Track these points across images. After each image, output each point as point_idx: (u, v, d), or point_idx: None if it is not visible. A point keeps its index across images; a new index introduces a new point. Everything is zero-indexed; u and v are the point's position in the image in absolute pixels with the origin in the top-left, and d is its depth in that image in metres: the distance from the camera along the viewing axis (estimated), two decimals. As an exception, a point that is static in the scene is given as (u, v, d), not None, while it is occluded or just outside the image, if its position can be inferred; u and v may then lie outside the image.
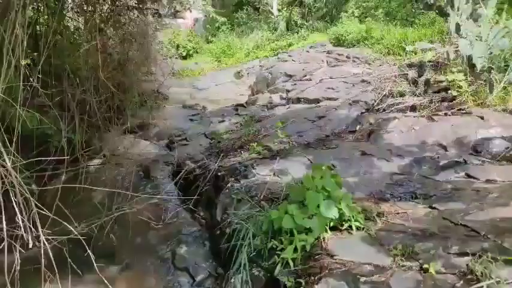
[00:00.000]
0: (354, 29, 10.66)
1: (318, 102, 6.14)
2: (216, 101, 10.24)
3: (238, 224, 2.98)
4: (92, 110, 5.79)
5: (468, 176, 3.20)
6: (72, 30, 7.80)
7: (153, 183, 5.03)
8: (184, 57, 18.50)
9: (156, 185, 4.97)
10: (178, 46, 18.55)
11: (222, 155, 4.77)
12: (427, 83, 5.01)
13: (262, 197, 3.49)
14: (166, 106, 10.03)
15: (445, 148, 3.73)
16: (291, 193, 2.66)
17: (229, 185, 4.03)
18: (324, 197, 2.52)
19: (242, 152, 4.88)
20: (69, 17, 7.71)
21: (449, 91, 4.70)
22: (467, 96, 4.41)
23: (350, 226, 2.68)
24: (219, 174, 4.38)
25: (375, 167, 3.66)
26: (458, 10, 5.41)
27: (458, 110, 4.24)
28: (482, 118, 3.90)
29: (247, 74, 13.14)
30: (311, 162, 3.90)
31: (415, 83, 5.15)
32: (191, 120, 8.40)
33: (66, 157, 3.96)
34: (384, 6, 11.80)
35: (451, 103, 4.49)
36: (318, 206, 2.49)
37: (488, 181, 3.06)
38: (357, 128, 4.85)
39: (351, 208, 2.66)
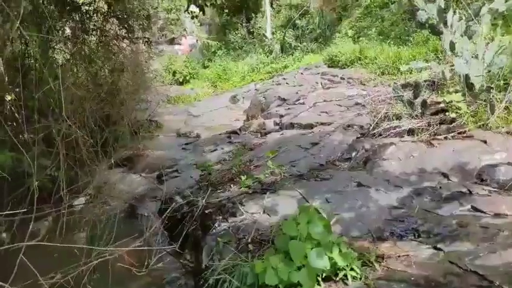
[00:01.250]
0: (347, 49, 10.54)
1: (312, 128, 5.90)
2: (211, 128, 10.04)
3: (221, 274, 2.67)
4: (78, 145, 5.57)
5: (474, 209, 2.90)
6: (60, 62, 7.67)
7: (139, 223, 4.74)
8: (181, 83, 18.51)
9: (142, 224, 4.67)
10: (174, 72, 18.61)
11: (210, 189, 4.48)
12: (423, 104, 4.76)
13: (250, 239, 3.19)
14: (160, 135, 9.82)
15: (447, 177, 3.44)
16: (277, 241, 2.36)
17: (216, 224, 3.74)
18: (312, 245, 2.22)
19: (232, 185, 4.60)
20: (58, 49, 7.60)
21: (447, 113, 4.44)
22: (467, 118, 4.15)
23: (346, 275, 2.37)
24: (207, 212, 4.08)
25: (371, 200, 3.36)
26: (451, 27, 5.23)
27: (458, 133, 3.97)
28: (485, 142, 3.62)
29: (243, 98, 13.00)
30: (303, 196, 3.60)
31: (411, 104, 4.89)
32: (184, 149, 8.17)
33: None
34: (377, 26, 11.74)
35: (450, 126, 4.22)
36: (306, 256, 2.19)
37: (497, 215, 2.75)
38: (352, 155, 4.58)
39: (345, 255, 2.35)
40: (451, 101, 4.36)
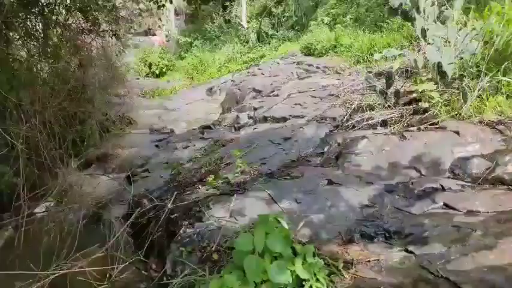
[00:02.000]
0: (323, 37, 10.35)
1: (285, 121, 5.70)
2: (186, 122, 9.74)
3: (180, 290, 2.47)
4: (40, 148, 5.24)
5: (447, 206, 2.76)
6: (22, 59, 7.22)
7: (104, 229, 4.48)
8: (158, 76, 18.04)
9: (107, 231, 4.42)
10: (151, 64, 18.11)
11: (176, 192, 4.25)
12: (396, 94, 4.62)
13: (214, 247, 2.99)
14: (132, 132, 9.47)
15: (419, 171, 3.30)
16: (234, 256, 2.16)
17: (181, 231, 3.52)
18: (271, 259, 2.03)
19: (200, 186, 4.37)
20: (19, 45, 7.15)
21: (420, 103, 4.30)
22: (440, 108, 4.02)
23: (311, 287, 2.21)
24: (173, 216, 3.86)
25: (342, 199, 3.20)
26: (424, 13, 5.07)
27: (431, 124, 3.83)
28: (457, 133, 3.49)
29: (219, 90, 12.70)
30: (272, 198, 3.42)
31: (384, 94, 4.75)
32: (156, 146, 7.85)
33: None
34: (352, 12, 11.56)
35: (423, 116, 4.09)
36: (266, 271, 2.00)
37: (470, 213, 2.63)
38: (325, 149, 4.41)
39: (310, 266, 2.17)
40: (424, 90, 4.22)
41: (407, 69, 5.38)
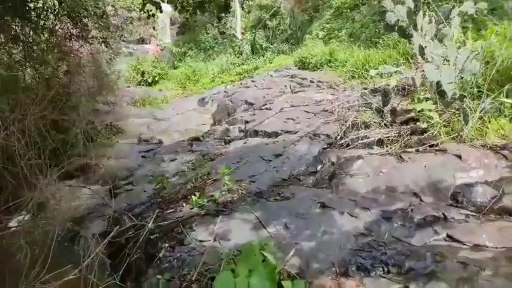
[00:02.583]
0: (318, 51, 10.23)
1: (277, 136, 5.48)
2: (175, 133, 9.47)
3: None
4: (17, 157, 4.92)
5: (451, 238, 2.54)
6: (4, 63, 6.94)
7: (79, 248, 4.17)
8: (150, 84, 17.77)
9: (82, 250, 4.11)
10: (143, 73, 17.84)
11: (158, 210, 3.98)
12: (393, 112, 4.43)
13: (194, 276, 2.71)
14: (119, 141, 9.15)
15: (419, 197, 3.08)
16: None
17: (161, 254, 3.24)
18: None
19: (185, 204, 4.11)
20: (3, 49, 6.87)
21: (418, 122, 4.11)
22: (440, 128, 3.83)
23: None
24: (153, 237, 3.58)
25: (336, 225, 2.96)
26: (421, 30, 4.93)
27: (430, 146, 3.63)
28: (459, 157, 3.29)
29: (212, 100, 12.47)
30: (260, 221, 3.16)
31: (380, 112, 4.56)
32: (143, 157, 7.57)
33: None
34: (347, 27, 11.50)
35: (421, 137, 3.90)
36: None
37: (476, 247, 2.40)
38: (318, 168, 4.18)
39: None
40: (422, 110, 4.03)
41: (404, 87, 5.21)
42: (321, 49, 10.35)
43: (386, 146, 4.05)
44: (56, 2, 7.34)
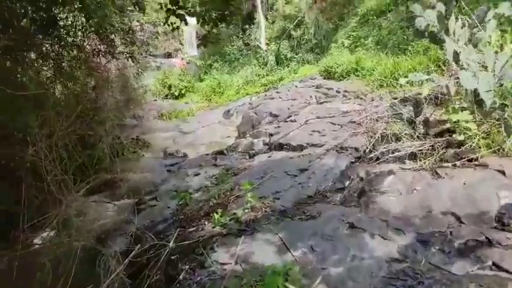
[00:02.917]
0: (343, 60, 9.98)
1: (302, 149, 5.29)
2: (200, 146, 9.44)
3: None
4: (44, 173, 4.98)
5: (497, 267, 2.26)
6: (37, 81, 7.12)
7: (100, 266, 4.11)
8: (177, 97, 18.01)
9: (103, 269, 4.05)
10: (170, 86, 18.12)
11: (179, 229, 3.87)
12: (426, 123, 4.16)
13: (215, 303, 2.56)
14: (145, 155, 9.22)
15: (458, 219, 2.81)
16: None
17: (181, 277, 3.12)
18: None
19: (206, 222, 3.98)
20: (35, 66, 7.07)
21: (454, 134, 3.82)
22: (478, 141, 3.53)
23: None
24: (173, 257, 3.46)
25: (366, 248, 2.73)
26: (454, 35, 4.64)
27: (469, 160, 3.35)
28: (503, 173, 3.00)
29: (236, 113, 12.41)
30: (283, 242, 2.98)
31: (411, 123, 4.29)
32: (168, 171, 7.57)
33: None
34: (374, 35, 11.18)
35: (458, 150, 3.61)
36: None
37: (528, 278, 2.12)
38: (345, 184, 3.95)
39: None
40: (458, 121, 3.74)
41: (437, 96, 4.91)
42: (346, 58, 10.09)
43: (420, 160, 3.79)
44: (83, 19, 7.51)
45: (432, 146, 3.85)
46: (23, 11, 5.96)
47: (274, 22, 16.90)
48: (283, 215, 3.53)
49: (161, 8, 5.06)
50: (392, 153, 4.13)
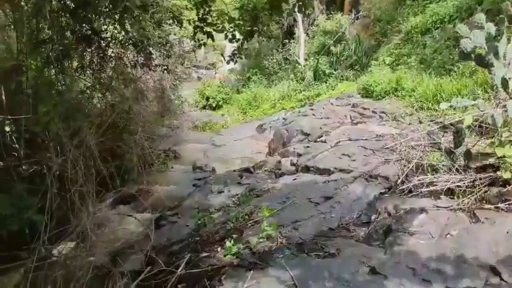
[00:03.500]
0: (383, 78, 9.54)
1: (329, 174, 4.98)
2: (229, 161, 9.32)
3: None
4: (67, 183, 5.03)
5: None
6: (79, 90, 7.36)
7: (109, 286, 4.02)
8: (214, 108, 18.24)
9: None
10: (208, 97, 18.38)
11: (190, 255, 3.69)
12: (467, 156, 3.72)
13: None
14: (175, 167, 9.23)
15: (499, 274, 2.41)
16: None
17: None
18: None
19: (220, 248, 3.78)
20: (76, 77, 7.31)
21: (499, 171, 3.39)
22: (528, 181, 3.09)
23: None
24: (180, 286, 3.29)
25: (387, 300, 2.41)
26: (504, 59, 4.20)
27: (515, 203, 2.93)
28: (555, 224, 2.56)
29: (270, 127, 12.25)
30: (295, 283, 2.70)
31: (450, 155, 3.88)
32: (194, 185, 7.49)
33: None
34: (417, 53, 10.65)
35: (503, 190, 3.18)
36: None
37: None
38: (372, 218, 3.62)
39: None
40: (504, 156, 3.31)
41: (481, 125, 4.45)
42: (387, 76, 9.64)
43: (458, 198, 3.39)
44: (123, 32, 7.68)
45: (473, 182, 3.44)
46: (66, 23, 6.17)
47: (314, 37, 16.68)
48: (300, 248, 3.26)
49: (189, 24, 5.04)
50: (427, 186, 3.74)
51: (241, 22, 4.72)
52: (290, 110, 13.46)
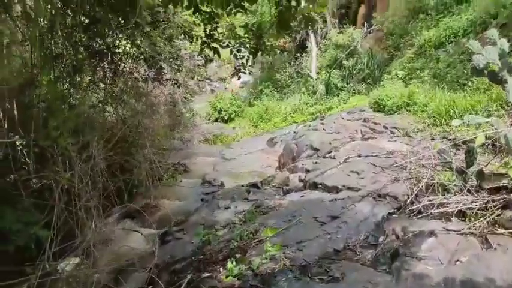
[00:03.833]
0: (395, 93, 9.39)
1: (337, 192, 4.86)
2: (239, 175, 9.24)
3: None
4: (73, 197, 5.03)
5: None
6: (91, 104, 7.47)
7: (112, 304, 3.97)
8: (226, 121, 18.26)
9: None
10: (220, 110, 18.44)
11: (190, 276, 3.61)
12: (480, 176, 3.58)
13: None
14: (184, 181, 9.20)
15: (511, 307, 2.27)
16: None
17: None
18: None
19: (222, 268, 3.69)
20: (90, 91, 7.42)
21: (513, 193, 3.24)
22: (544, 204, 2.93)
23: None
24: (179, 308, 3.21)
25: (393, 331, 2.28)
26: (519, 76, 4.06)
27: (530, 229, 2.77)
28: None
29: (281, 141, 12.17)
30: (295, 310, 2.60)
31: (462, 174, 3.74)
32: (202, 200, 7.43)
33: None
34: (431, 67, 10.49)
35: (518, 213, 3.02)
36: None
37: None
38: (379, 240, 3.49)
39: None
40: (519, 177, 3.17)
41: (495, 144, 4.30)
42: (399, 90, 9.49)
43: (469, 220, 3.25)
44: (134, 47, 7.79)
45: (485, 204, 3.29)
46: (80, 39, 6.29)
47: (326, 51, 16.65)
48: (303, 271, 3.15)
49: (196, 40, 5.07)
50: (438, 207, 3.60)
51: (246, 40, 4.72)
52: (301, 124, 13.36)
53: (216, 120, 18.47)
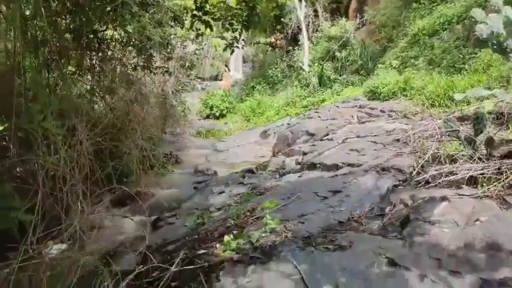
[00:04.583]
0: (390, 80, 9.25)
1: (337, 169, 4.65)
2: (231, 165, 9.01)
3: None
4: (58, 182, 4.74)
5: None
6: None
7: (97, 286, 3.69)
8: (217, 117, 18.06)
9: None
10: (212, 107, 18.24)
11: (184, 253, 3.35)
12: (489, 143, 3.41)
13: None
14: (177, 171, 8.93)
15: (540, 263, 2.07)
16: None
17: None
18: None
19: (219, 244, 3.44)
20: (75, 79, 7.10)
21: (527, 156, 3.06)
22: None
23: None
24: (174, 284, 2.95)
25: (410, 294, 2.06)
26: (525, 44, 3.89)
27: (551, 187, 2.58)
28: None
29: (274, 133, 11.95)
30: (302, 278, 2.36)
31: (471, 143, 3.56)
32: (195, 188, 7.18)
33: None
34: (425, 55, 10.36)
35: (535, 175, 2.84)
36: None
37: None
38: (386, 210, 3.27)
39: None
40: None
41: (501, 113, 4.13)
42: (394, 78, 9.35)
43: (482, 186, 3.05)
44: (123, 33, 7.50)
45: (499, 169, 3.10)
46: (65, 25, 6.00)
47: (319, 43, 16.51)
48: (307, 242, 2.92)
49: (187, 12, 4.83)
50: (446, 176, 3.40)
51: (238, 11, 4.49)
52: (295, 116, 13.19)
53: (208, 116, 18.24)
